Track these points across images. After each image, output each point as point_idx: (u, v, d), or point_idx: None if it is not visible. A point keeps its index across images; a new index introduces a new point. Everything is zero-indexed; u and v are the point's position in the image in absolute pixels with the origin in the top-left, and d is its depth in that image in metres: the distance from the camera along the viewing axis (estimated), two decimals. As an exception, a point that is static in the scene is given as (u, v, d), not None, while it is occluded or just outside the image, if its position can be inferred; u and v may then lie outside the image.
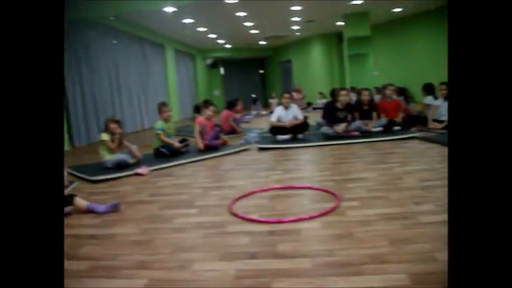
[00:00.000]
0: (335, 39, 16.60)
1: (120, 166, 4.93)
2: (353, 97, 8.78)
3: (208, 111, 6.27)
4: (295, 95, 11.48)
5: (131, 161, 5.15)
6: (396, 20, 14.56)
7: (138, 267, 2.14)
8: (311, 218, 2.69)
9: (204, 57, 19.50)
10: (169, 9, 10.05)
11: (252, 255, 2.17)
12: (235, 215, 2.88)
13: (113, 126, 5.14)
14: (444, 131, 6.22)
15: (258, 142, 6.60)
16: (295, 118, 6.62)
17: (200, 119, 6.26)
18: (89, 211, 3.21)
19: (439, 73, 11.53)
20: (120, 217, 3.12)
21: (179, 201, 3.47)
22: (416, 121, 7.06)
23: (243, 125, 9.43)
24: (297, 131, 6.55)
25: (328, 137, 6.40)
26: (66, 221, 2.99)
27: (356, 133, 6.44)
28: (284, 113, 6.68)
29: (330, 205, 2.91)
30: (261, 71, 22.98)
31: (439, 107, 6.84)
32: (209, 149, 5.95)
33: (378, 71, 14.01)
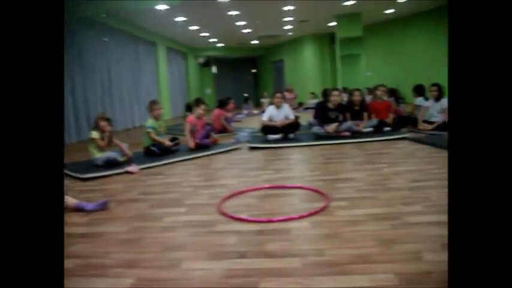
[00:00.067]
0: (327, 39, 16.66)
1: (110, 164, 4.90)
2: (345, 97, 8.81)
3: (199, 110, 6.26)
4: (287, 94, 11.48)
5: (121, 159, 5.12)
6: (388, 21, 14.64)
7: (126, 266, 2.13)
8: (300, 217, 2.70)
9: (196, 56, 19.46)
10: (161, 7, 10.01)
11: (241, 255, 2.17)
12: (224, 214, 2.88)
13: (102, 124, 5.11)
14: (434, 132, 6.28)
15: (249, 141, 6.60)
16: (287, 118, 6.63)
17: (191, 117, 6.25)
18: (77, 209, 3.19)
19: (430, 74, 11.65)
20: (109, 215, 3.10)
21: (169, 200, 3.46)
22: (406, 122, 7.11)
23: (234, 124, 9.41)
24: (288, 131, 6.56)
25: (319, 137, 6.42)
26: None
27: (347, 133, 6.47)
28: (276, 113, 6.69)
29: (319, 205, 2.92)
30: (254, 70, 22.99)
31: (429, 108, 6.89)
32: (200, 147, 5.94)
33: (370, 71, 14.09)
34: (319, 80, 17.10)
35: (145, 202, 3.42)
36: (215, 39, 16.99)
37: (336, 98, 6.69)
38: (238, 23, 13.33)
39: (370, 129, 6.67)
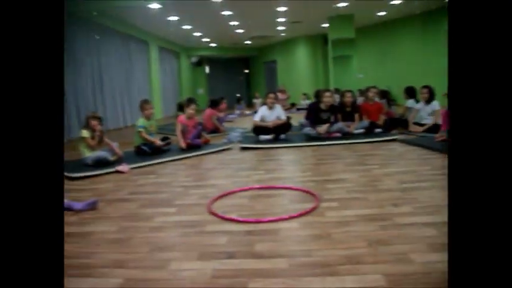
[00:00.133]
0: (320, 40, 16.70)
1: (100, 163, 4.87)
2: (337, 99, 8.84)
3: (190, 110, 6.23)
4: (279, 95, 11.50)
5: (112, 158, 5.09)
6: (380, 23, 14.73)
7: (114, 266, 2.11)
8: (290, 218, 2.70)
9: (189, 55, 19.42)
10: (154, 5, 9.97)
11: (230, 255, 2.17)
12: (214, 214, 2.87)
13: (93, 122, 5.08)
14: (425, 134, 6.32)
15: (240, 141, 6.60)
16: (279, 118, 6.64)
17: (182, 117, 6.24)
18: (66, 209, 3.16)
19: (421, 77, 11.73)
20: (98, 215, 3.08)
21: (159, 200, 3.44)
22: (397, 124, 7.16)
23: (226, 124, 9.41)
24: (280, 132, 6.56)
25: (310, 138, 6.43)
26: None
27: (338, 134, 6.49)
28: (268, 113, 6.69)
29: (309, 205, 2.92)
30: (246, 71, 22.98)
31: (420, 111, 6.93)
32: (191, 147, 5.92)
33: (362, 73, 14.15)
34: (311, 81, 17.15)
35: (135, 202, 3.40)
36: (208, 39, 16.97)
37: (328, 99, 6.71)
38: (231, 23, 13.32)
39: (361, 130, 6.70)
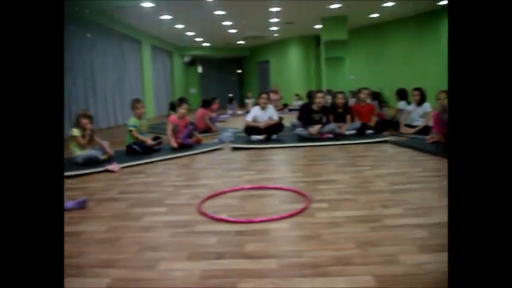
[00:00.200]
0: (313, 41, 16.74)
1: (91, 162, 4.84)
2: (329, 100, 8.87)
3: (181, 110, 6.21)
4: (272, 95, 11.50)
5: (102, 157, 5.06)
6: (373, 25, 14.81)
7: (103, 266, 2.09)
8: (280, 218, 2.70)
9: (182, 55, 19.36)
10: (146, 4, 9.93)
11: (219, 255, 2.16)
12: (204, 214, 2.86)
13: (84, 121, 5.04)
14: (416, 136, 6.35)
15: (232, 142, 6.59)
16: (271, 119, 6.64)
17: (173, 117, 6.22)
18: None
19: (412, 79, 11.82)
20: (88, 214, 3.05)
21: (149, 200, 3.43)
22: (389, 125, 7.18)
23: (218, 124, 9.40)
24: (271, 132, 6.56)
25: (302, 139, 6.44)
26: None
27: (329, 135, 6.51)
28: (260, 113, 6.69)
29: (300, 206, 2.92)
30: (239, 71, 22.97)
31: (411, 112, 6.98)
32: (183, 147, 5.91)
33: (354, 74, 14.21)
34: (304, 82, 17.19)
35: (125, 201, 3.37)
36: (201, 39, 16.94)
37: (321, 100, 6.72)
38: (224, 23, 13.31)
39: (352, 131, 6.72)
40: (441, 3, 11.79)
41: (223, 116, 12.22)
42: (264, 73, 20.11)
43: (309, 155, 5.38)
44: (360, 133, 6.66)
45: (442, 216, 2.61)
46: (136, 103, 5.88)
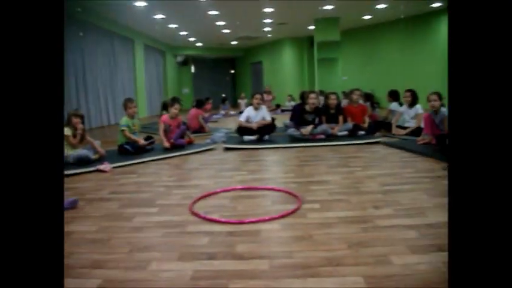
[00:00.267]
0: (306, 42, 16.78)
1: (82, 162, 4.81)
2: (321, 101, 8.89)
3: (174, 110, 6.19)
4: (265, 96, 11.51)
5: (93, 156, 5.03)
6: (365, 27, 14.88)
7: (93, 267, 2.08)
8: (272, 219, 2.70)
9: (175, 55, 19.31)
10: (139, 3, 9.89)
11: (211, 256, 2.15)
12: (196, 214, 2.86)
13: (75, 120, 5.01)
14: (407, 137, 6.38)
15: (224, 142, 6.58)
16: (264, 119, 6.64)
17: (165, 117, 6.20)
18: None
19: (405, 80, 11.87)
20: (78, 214, 3.03)
21: (140, 200, 3.41)
22: (380, 126, 7.21)
23: (210, 125, 9.38)
24: (264, 132, 6.56)
25: (294, 139, 6.45)
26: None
27: (322, 136, 6.52)
28: (254, 114, 6.69)
29: (291, 207, 2.92)
30: (232, 71, 22.95)
31: (403, 114, 7.01)
32: (175, 147, 5.89)
33: (346, 76, 14.26)
34: (297, 83, 17.22)
35: (116, 201, 3.36)
36: (194, 38, 16.91)
37: (314, 100, 6.73)
38: (217, 23, 13.29)
39: (345, 132, 6.74)
40: (433, 5, 11.87)
41: (215, 116, 12.20)
42: (257, 73, 20.11)
43: (301, 155, 5.38)
44: (352, 134, 6.68)
45: (433, 217, 2.63)
46: (128, 103, 5.85)
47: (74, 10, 9.49)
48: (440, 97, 5.51)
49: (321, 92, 11.28)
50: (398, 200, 3.07)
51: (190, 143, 6.38)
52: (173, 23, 13.14)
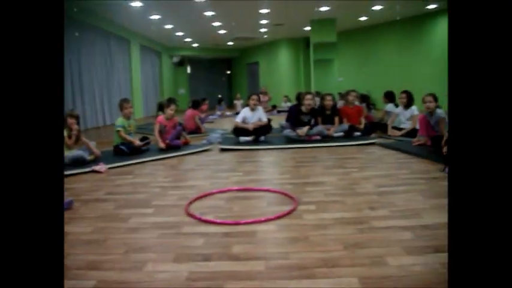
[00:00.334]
0: (302, 43, 16.80)
1: (77, 162, 4.79)
2: (317, 102, 8.90)
3: (169, 110, 6.18)
4: (261, 97, 11.50)
5: (89, 157, 5.01)
6: (361, 28, 14.92)
7: (88, 268, 2.07)
8: (267, 220, 2.70)
9: (171, 55, 19.29)
10: (135, 4, 9.87)
11: (206, 257, 2.15)
12: (191, 215, 2.85)
13: (70, 121, 4.99)
14: (403, 138, 6.40)
15: (220, 143, 6.58)
16: (260, 120, 6.64)
17: (160, 118, 6.19)
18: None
19: (401, 81, 11.91)
20: (73, 215, 3.02)
21: (136, 201, 3.40)
22: (376, 128, 7.23)
23: (207, 125, 9.37)
24: (260, 133, 6.56)
25: (290, 140, 6.45)
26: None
27: (318, 137, 6.52)
28: (250, 115, 6.69)
29: (287, 208, 2.92)
30: (228, 72, 22.95)
31: (399, 115, 7.03)
32: (171, 148, 5.88)
33: (342, 77, 14.29)
34: (293, 84, 17.24)
35: (112, 202, 3.35)
36: (190, 39, 16.89)
37: (310, 101, 6.74)
38: (214, 24, 13.28)
39: (340, 133, 6.75)
40: (429, 7, 11.92)
41: (211, 117, 12.19)
42: (253, 74, 20.12)
43: (297, 156, 5.39)
44: (348, 135, 6.70)
45: (429, 218, 2.63)
46: (124, 103, 5.83)
47: (70, 10, 9.45)
48: (435, 98, 5.54)
49: (317, 93, 11.29)
50: (394, 201, 3.08)
51: (186, 144, 6.37)
52: (169, 24, 13.13)
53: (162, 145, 5.85)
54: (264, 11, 11.53)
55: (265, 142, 6.45)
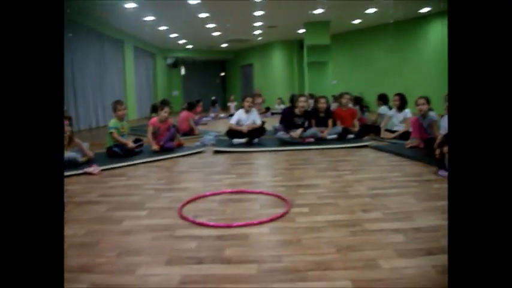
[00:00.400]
0: (296, 46, 16.85)
1: (70, 164, 4.76)
2: (311, 104, 8.91)
3: (163, 113, 6.17)
4: (255, 99, 11.50)
5: (81, 159, 4.99)
6: (355, 31, 14.99)
7: (80, 271, 2.06)
8: (260, 223, 2.70)
9: (165, 57, 19.25)
10: (129, 5, 9.85)
11: (199, 260, 2.15)
12: (184, 218, 2.85)
13: (63, 122, 4.96)
14: (396, 141, 6.43)
15: (214, 145, 6.57)
16: (254, 123, 6.65)
17: (154, 120, 6.18)
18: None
19: (394, 84, 11.97)
20: (66, 217, 2.99)
21: (129, 203, 3.39)
22: (370, 130, 7.26)
23: (200, 127, 9.36)
24: (253, 136, 6.57)
25: (283, 143, 6.46)
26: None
27: (311, 139, 6.54)
28: (245, 117, 6.69)
29: (280, 211, 2.93)
30: (222, 74, 22.94)
31: (392, 117, 7.06)
32: (164, 150, 5.87)
33: (336, 79, 14.36)
34: (287, 86, 17.28)
35: (105, 204, 3.33)
36: (184, 41, 16.87)
37: (303, 104, 6.75)
38: (208, 26, 13.28)
39: (334, 136, 6.76)
40: (422, 10, 12.00)
41: (205, 119, 12.17)
42: (247, 76, 20.13)
43: (290, 159, 5.40)
44: (341, 137, 6.71)
45: (422, 221, 2.65)
46: (117, 104, 5.81)
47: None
48: (428, 101, 5.57)
49: (311, 96, 11.31)
50: (387, 204, 3.09)
51: (179, 146, 6.36)
52: (163, 25, 13.11)
53: (155, 147, 5.84)
54: (258, 13, 11.55)
55: (259, 144, 6.45)
